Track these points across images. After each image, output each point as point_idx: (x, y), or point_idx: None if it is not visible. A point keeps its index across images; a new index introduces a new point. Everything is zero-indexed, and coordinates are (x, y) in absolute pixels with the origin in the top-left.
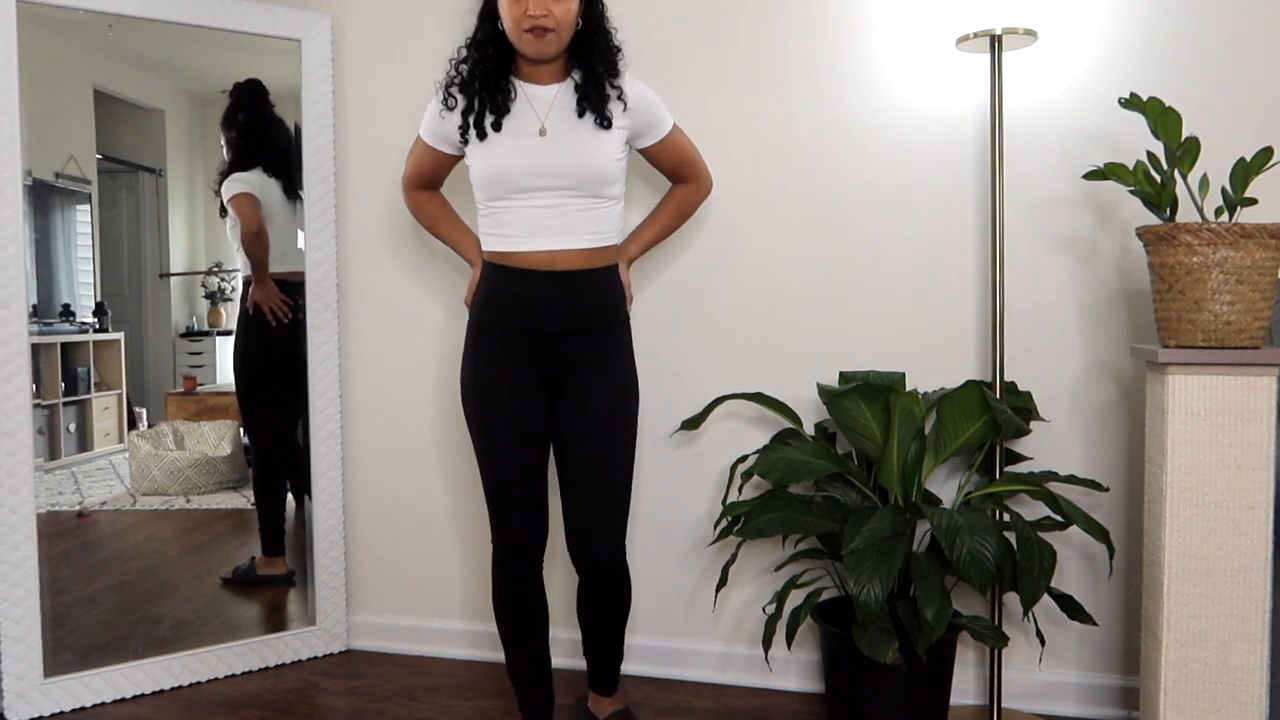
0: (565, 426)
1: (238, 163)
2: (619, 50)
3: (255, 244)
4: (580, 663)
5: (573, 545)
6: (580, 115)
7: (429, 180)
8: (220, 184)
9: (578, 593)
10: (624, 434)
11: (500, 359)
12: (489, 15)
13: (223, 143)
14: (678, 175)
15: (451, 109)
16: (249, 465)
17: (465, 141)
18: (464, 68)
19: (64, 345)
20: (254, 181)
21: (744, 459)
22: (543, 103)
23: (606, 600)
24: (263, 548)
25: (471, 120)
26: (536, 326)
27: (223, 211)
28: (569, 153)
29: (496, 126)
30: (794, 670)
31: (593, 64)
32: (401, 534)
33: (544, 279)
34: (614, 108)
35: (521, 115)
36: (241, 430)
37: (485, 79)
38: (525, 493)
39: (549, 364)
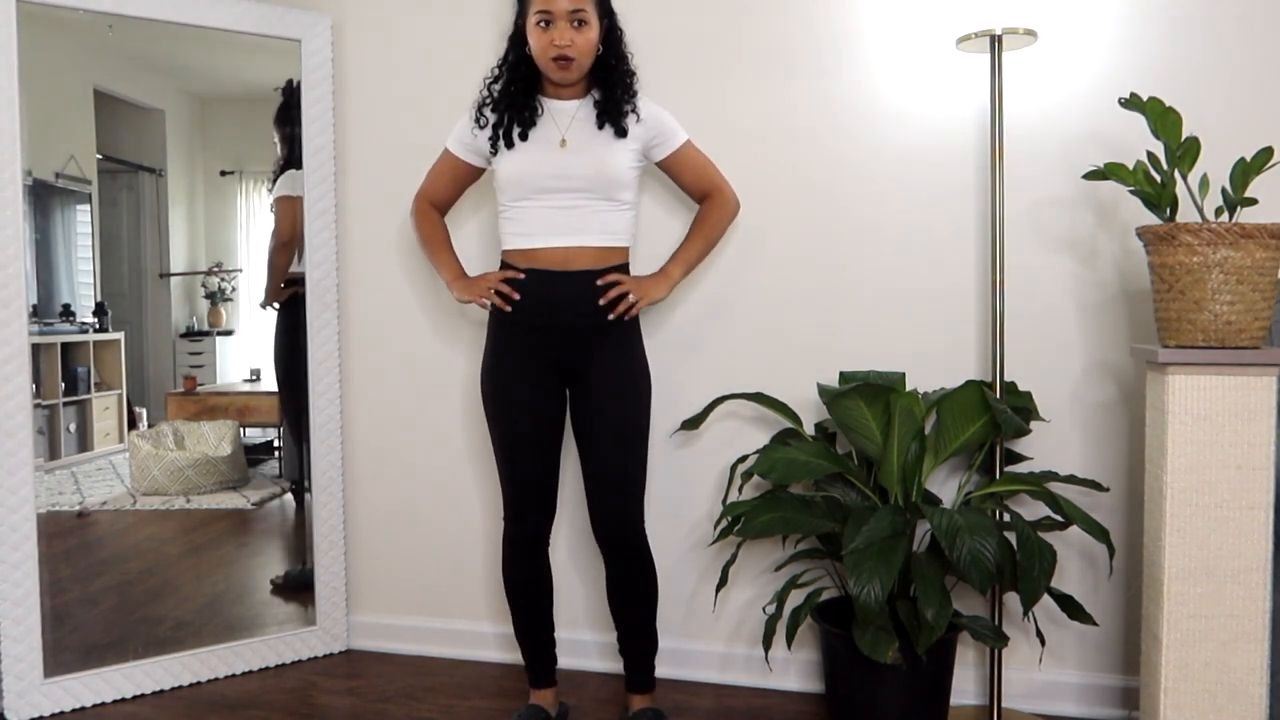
0: (581, 409)
1: (294, 160)
2: (634, 72)
3: (281, 253)
4: (610, 665)
5: (594, 521)
6: (600, 128)
7: (444, 195)
8: (275, 179)
9: (607, 583)
10: (636, 415)
11: (519, 353)
12: (518, 40)
13: (276, 140)
14: (699, 189)
15: (483, 127)
16: (284, 458)
17: (495, 152)
18: (495, 87)
19: (64, 345)
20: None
21: (744, 459)
22: (565, 116)
23: (630, 579)
24: None
25: (501, 132)
26: (552, 321)
27: (273, 206)
28: (585, 159)
29: (523, 137)
30: (794, 670)
31: (611, 84)
32: (401, 534)
33: (559, 277)
34: (629, 121)
35: (545, 128)
36: (278, 429)
37: (515, 98)
38: (538, 478)
39: (564, 356)
